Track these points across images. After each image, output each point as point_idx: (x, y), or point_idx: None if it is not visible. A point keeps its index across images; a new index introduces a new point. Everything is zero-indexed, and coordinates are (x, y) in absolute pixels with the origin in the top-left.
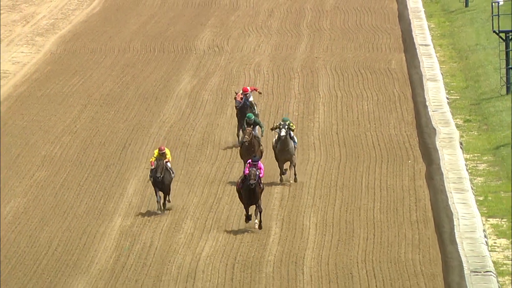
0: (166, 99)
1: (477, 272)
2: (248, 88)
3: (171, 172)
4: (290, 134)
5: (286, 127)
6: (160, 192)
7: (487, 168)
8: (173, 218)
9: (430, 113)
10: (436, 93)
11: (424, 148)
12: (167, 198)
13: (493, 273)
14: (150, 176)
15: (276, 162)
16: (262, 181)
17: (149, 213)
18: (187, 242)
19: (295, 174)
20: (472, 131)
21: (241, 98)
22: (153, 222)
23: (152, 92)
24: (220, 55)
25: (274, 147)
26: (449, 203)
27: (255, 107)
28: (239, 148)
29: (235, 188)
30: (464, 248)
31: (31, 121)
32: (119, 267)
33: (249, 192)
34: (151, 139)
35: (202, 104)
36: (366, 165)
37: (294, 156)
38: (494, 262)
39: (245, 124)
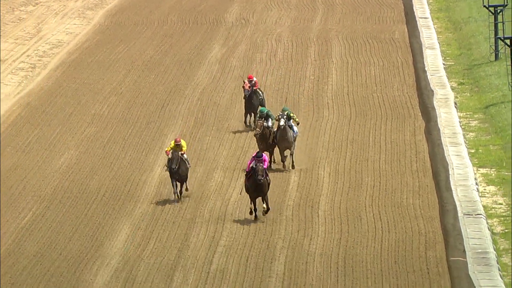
0: (199, 65)
1: (469, 214)
2: (253, 76)
3: (187, 162)
4: (289, 123)
5: (285, 117)
6: (177, 182)
7: (478, 125)
8: (205, 168)
9: (429, 77)
10: (433, 60)
11: (423, 107)
12: (185, 187)
13: (483, 215)
14: (167, 166)
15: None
16: (268, 175)
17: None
18: (217, 189)
19: (292, 162)
20: (465, 93)
21: (249, 87)
22: (189, 171)
23: (187, 59)
24: (246, 26)
25: (274, 136)
26: (445, 155)
27: (262, 94)
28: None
29: (243, 181)
30: (458, 194)
31: (82, 84)
32: (159, 211)
33: (257, 186)
34: (186, 100)
35: (231, 69)
36: (373, 122)
37: (293, 144)
38: (484, 206)
39: (258, 116)
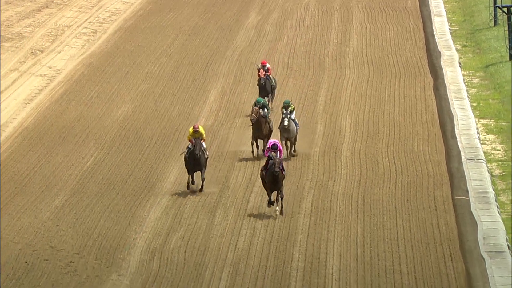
0: (237, 30)
1: (471, 159)
2: (267, 62)
3: (205, 153)
4: (292, 117)
5: (288, 115)
6: (193, 171)
7: (479, 82)
8: (243, 120)
9: (436, 40)
10: (441, 25)
11: (431, 66)
12: (202, 177)
13: (483, 160)
14: (186, 154)
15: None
16: (284, 168)
17: (226, 115)
18: None
19: (294, 151)
20: (468, 54)
21: (264, 75)
22: (229, 122)
23: (227, 25)
24: None
25: (279, 128)
26: (451, 108)
27: (274, 81)
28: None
29: (259, 174)
30: (461, 141)
31: (137, 46)
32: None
33: (273, 178)
34: (227, 60)
35: (265, 34)
36: (388, 79)
37: (295, 136)
38: (484, 152)
39: (253, 104)
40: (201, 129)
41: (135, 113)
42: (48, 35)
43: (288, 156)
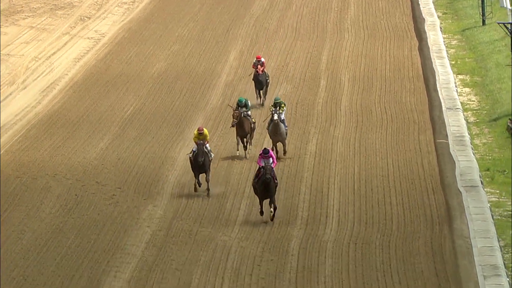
0: (254, 0)
1: (450, 108)
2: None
3: (210, 155)
4: (281, 117)
5: (278, 112)
6: (199, 173)
7: (457, 43)
8: None
9: (421, 8)
10: None
11: (417, 30)
12: (207, 179)
13: (460, 109)
14: (191, 156)
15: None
16: (277, 177)
17: (244, 72)
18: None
19: (284, 150)
20: (447, 20)
21: (262, 71)
22: (246, 76)
23: None
24: None
25: (267, 129)
26: (433, 65)
27: (268, 76)
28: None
29: (251, 183)
30: (442, 93)
31: (169, 13)
32: (224, 107)
33: (264, 186)
34: (244, 26)
35: (277, 3)
36: (380, 41)
37: (285, 137)
38: (461, 103)
39: (236, 105)
40: (206, 132)
41: (167, 70)
42: (94, 4)
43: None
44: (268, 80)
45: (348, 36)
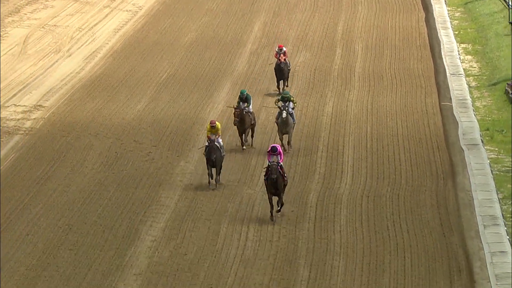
0: None
1: (454, 74)
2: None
3: (221, 151)
4: (290, 111)
5: (287, 108)
6: (212, 168)
7: (460, 15)
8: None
9: None
10: None
11: (424, 3)
12: (217, 174)
13: (463, 75)
14: (204, 150)
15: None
16: (286, 174)
17: (267, 41)
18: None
19: (288, 144)
20: None
21: (284, 59)
22: (271, 46)
23: None
24: None
25: (276, 121)
26: (438, 35)
27: (289, 64)
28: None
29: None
30: (446, 61)
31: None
32: (249, 73)
33: (272, 184)
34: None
35: None
36: (390, 14)
37: (291, 130)
38: (464, 69)
39: (238, 98)
40: (218, 125)
41: (198, 40)
42: None
43: (286, 149)
44: (289, 69)
45: (361, 9)
